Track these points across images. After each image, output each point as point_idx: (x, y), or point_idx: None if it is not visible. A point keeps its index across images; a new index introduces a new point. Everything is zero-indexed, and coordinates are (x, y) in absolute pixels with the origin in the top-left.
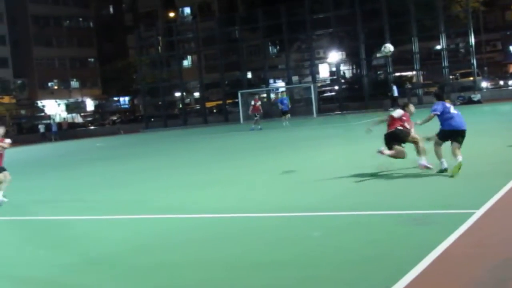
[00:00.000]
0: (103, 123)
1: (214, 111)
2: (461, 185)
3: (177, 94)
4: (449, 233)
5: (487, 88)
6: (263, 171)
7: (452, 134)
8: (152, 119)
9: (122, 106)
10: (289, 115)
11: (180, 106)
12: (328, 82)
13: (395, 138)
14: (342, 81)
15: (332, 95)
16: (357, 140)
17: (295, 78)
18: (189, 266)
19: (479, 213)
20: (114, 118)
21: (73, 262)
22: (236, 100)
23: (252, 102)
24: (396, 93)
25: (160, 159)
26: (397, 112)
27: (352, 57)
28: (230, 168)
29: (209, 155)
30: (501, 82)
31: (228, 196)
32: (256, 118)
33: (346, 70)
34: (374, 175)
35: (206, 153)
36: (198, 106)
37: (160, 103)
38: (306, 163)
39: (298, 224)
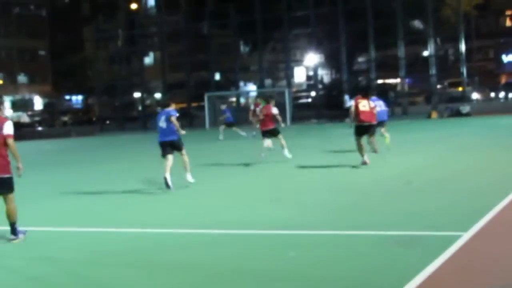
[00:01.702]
0: (52, 124)
1: (177, 115)
2: (446, 204)
3: (137, 94)
4: (433, 258)
5: (477, 100)
6: (229, 184)
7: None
8: (108, 121)
9: (75, 106)
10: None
11: (140, 108)
12: (304, 87)
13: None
14: (320, 86)
15: (308, 102)
16: (334, 153)
17: (268, 82)
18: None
19: (466, 236)
20: (65, 118)
21: (11, 278)
22: (202, 103)
23: (252, 107)
24: (348, 104)
25: (117, 167)
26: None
27: (331, 61)
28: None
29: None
30: (492, 94)
31: (195, 210)
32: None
33: (325, 74)
34: (350, 190)
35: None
36: (159, 109)
37: (117, 104)
38: (277, 177)
39: (267, 242)
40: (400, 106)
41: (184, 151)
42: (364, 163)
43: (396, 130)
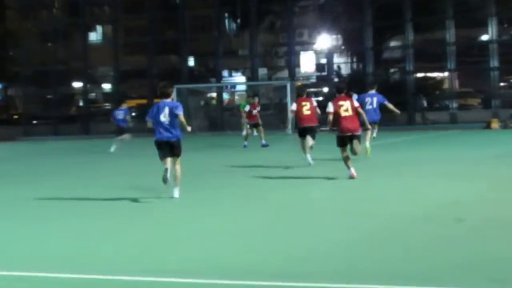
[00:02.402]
0: None
1: (134, 114)
2: None
3: (78, 84)
4: None
5: None
6: (204, 215)
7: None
8: (35, 122)
9: None
10: (126, 135)
11: (81, 103)
12: (313, 80)
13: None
14: (336, 79)
15: (318, 101)
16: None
17: (263, 72)
18: None
19: None
20: None
21: None
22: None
23: (247, 108)
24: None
25: (41, 186)
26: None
27: (352, 45)
28: (154, 208)
29: (117, 187)
30: None
31: (152, 249)
32: (247, 130)
33: (343, 63)
34: (380, 227)
35: (113, 184)
36: (109, 106)
37: (49, 97)
38: (272, 206)
39: None
40: (448, 110)
41: (179, 159)
42: (351, 176)
43: (440, 145)
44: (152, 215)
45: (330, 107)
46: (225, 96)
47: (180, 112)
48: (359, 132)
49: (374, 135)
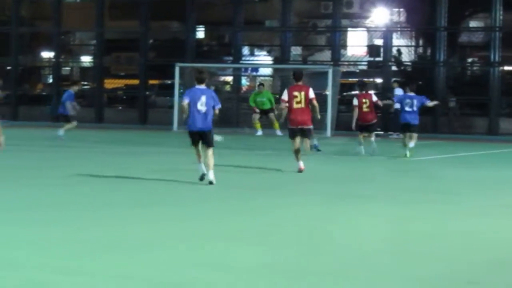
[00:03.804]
0: None
1: (122, 98)
2: None
3: (47, 54)
4: None
5: None
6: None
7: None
8: None
9: None
10: (73, 123)
11: (50, 80)
12: (363, 67)
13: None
14: (394, 68)
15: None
16: (405, 203)
17: (296, 51)
18: None
19: None
20: None
21: None
22: (169, 81)
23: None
24: (396, 104)
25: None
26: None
27: (418, 23)
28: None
29: (98, 202)
30: None
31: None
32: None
33: (404, 47)
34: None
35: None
36: (87, 85)
37: (9, 68)
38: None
39: None
40: None
41: (212, 149)
42: (300, 169)
43: None
44: None
45: (285, 95)
46: (244, 81)
47: (219, 106)
48: (309, 126)
49: (412, 144)
